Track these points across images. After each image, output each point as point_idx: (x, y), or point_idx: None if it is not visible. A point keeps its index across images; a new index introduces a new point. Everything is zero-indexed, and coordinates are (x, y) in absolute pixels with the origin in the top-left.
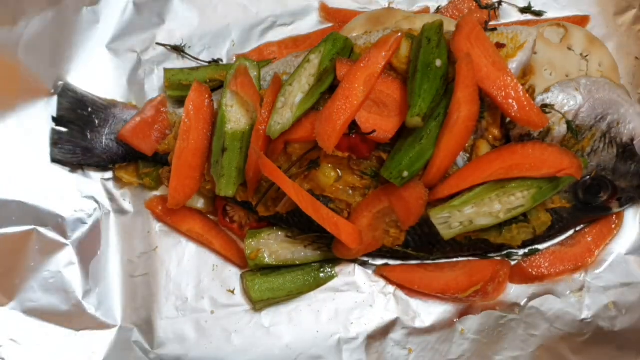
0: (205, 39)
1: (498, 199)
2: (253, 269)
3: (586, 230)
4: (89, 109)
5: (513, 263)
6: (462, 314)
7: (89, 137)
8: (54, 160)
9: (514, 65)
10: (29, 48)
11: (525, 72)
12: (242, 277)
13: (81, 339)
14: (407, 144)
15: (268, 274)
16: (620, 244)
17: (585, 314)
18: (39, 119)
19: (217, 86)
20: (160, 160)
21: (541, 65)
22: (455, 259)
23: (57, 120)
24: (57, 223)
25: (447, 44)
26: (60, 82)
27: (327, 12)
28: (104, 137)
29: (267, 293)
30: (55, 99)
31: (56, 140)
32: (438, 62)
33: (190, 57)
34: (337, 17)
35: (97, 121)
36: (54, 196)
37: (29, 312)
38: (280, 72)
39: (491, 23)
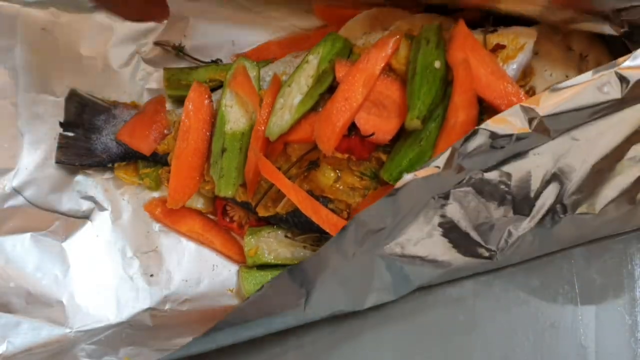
0: (206, 39)
1: None
2: (251, 266)
3: None
4: (93, 112)
5: None
6: None
7: (91, 138)
8: (58, 161)
9: (514, 66)
10: (30, 50)
11: (526, 73)
12: (238, 271)
13: (79, 337)
14: (406, 145)
15: (264, 270)
16: None
17: None
18: (40, 120)
19: (216, 86)
20: (160, 160)
21: (541, 66)
22: None
23: (64, 125)
24: (56, 223)
25: (446, 44)
26: (68, 88)
27: (322, 13)
28: (104, 137)
29: None
30: (59, 101)
31: (62, 144)
32: (437, 64)
33: (190, 57)
34: (332, 17)
35: (99, 122)
36: (53, 196)
37: (27, 312)
38: (279, 72)
39: None
